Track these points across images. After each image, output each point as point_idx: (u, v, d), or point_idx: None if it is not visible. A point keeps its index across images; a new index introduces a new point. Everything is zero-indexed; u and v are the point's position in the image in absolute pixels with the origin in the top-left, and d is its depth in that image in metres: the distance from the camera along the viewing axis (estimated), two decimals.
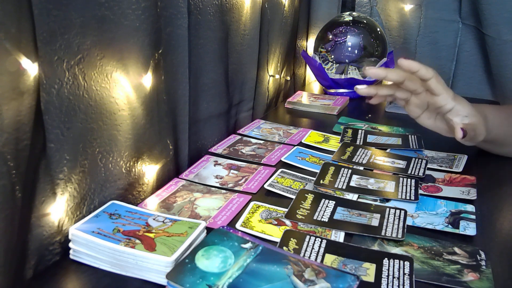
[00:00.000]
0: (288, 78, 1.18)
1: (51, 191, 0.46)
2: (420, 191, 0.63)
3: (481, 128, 0.66)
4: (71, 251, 0.48)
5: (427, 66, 0.64)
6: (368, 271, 0.46)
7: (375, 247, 0.51)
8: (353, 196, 0.62)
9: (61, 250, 0.48)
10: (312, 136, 0.85)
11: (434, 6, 1.18)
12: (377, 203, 0.60)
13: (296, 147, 0.79)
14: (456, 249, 0.51)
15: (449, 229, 0.55)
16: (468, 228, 0.54)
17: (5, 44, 0.36)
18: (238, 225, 0.54)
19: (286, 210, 0.57)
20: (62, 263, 0.47)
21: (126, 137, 0.55)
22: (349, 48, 1.12)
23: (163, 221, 0.51)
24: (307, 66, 1.31)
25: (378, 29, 1.15)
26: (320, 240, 0.51)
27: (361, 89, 0.69)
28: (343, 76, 1.13)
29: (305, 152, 0.77)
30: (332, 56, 1.14)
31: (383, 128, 0.91)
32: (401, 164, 0.72)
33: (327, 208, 0.58)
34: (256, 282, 0.42)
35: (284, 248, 0.49)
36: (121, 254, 0.45)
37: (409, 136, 0.84)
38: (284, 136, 0.85)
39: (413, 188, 0.64)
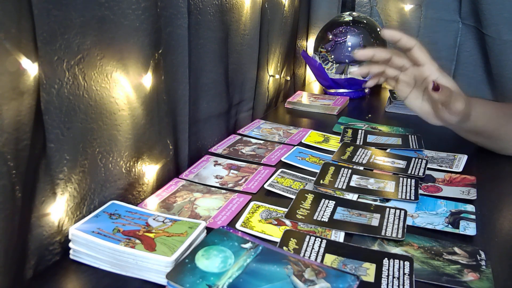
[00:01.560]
0: (288, 78, 1.18)
1: (51, 191, 0.46)
2: (420, 191, 0.64)
3: (460, 99, 0.65)
4: (71, 251, 0.48)
5: (410, 36, 0.67)
6: (368, 271, 0.46)
7: (375, 247, 0.51)
8: (353, 196, 0.62)
9: (61, 250, 0.48)
10: (312, 136, 0.85)
11: (434, 6, 1.18)
12: (377, 203, 0.60)
13: (296, 147, 0.79)
14: (456, 249, 0.51)
15: (449, 229, 0.55)
16: (468, 228, 0.54)
17: (5, 44, 0.36)
18: (238, 225, 0.54)
19: (286, 210, 0.57)
20: (62, 263, 0.47)
21: (126, 137, 0.55)
22: (349, 48, 1.12)
23: (163, 221, 0.51)
24: (307, 66, 1.31)
25: (378, 29, 1.14)
26: (320, 240, 0.51)
27: (354, 71, 0.73)
28: (343, 76, 1.13)
29: (305, 152, 0.77)
30: (332, 56, 1.14)
31: (383, 128, 0.91)
32: (401, 164, 0.72)
33: (327, 208, 0.58)
34: (256, 282, 0.42)
35: (284, 248, 0.49)
36: (121, 254, 0.45)
37: (409, 136, 0.84)
38: (284, 136, 0.85)
39: (413, 188, 0.64)
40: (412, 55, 0.67)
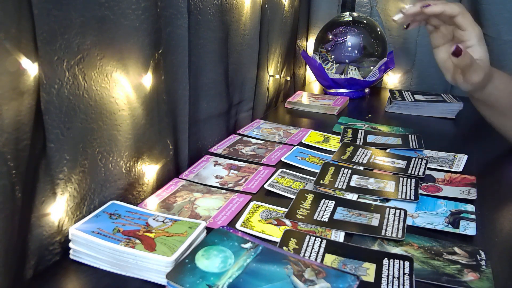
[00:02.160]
0: (288, 78, 1.18)
1: (51, 191, 0.46)
2: (420, 191, 0.63)
3: (479, 72, 0.67)
4: (71, 251, 0.48)
5: (453, 4, 0.67)
6: (368, 271, 0.46)
7: (375, 247, 0.51)
8: (353, 196, 0.62)
9: (61, 250, 0.48)
10: (312, 136, 0.85)
11: None
12: (377, 203, 0.60)
13: (296, 147, 0.79)
14: (456, 249, 0.51)
15: (449, 229, 0.55)
16: (468, 228, 0.54)
17: (5, 44, 0.36)
18: (238, 225, 0.54)
19: (286, 210, 0.57)
20: (62, 263, 0.47)
21: (126, 137, 0.55)
22: (349, 48, 1.12)
23: (163, 221, 0.51)
24: (307, 66, 1.31)
25: (378, 29, 1.15)
26: (320, 240, 0.51)
27: (398, 18, 0.72)
28: (343, 76, 1.13)
29: (305, 152, 0.77)
30: (332, 56, 1.14)
31: (383, 128, 0.91)
32: (401, 164, 0.72)
33: (327, 208, 0.58)
34: (256, 282, 0.42)
35: (284, 248, 0.49)
36: (121, 254, 0.45)
37: (409, 136, 0.84)
38: (284, 136, 0.85)
39: (413, 188, 0.64)
40: (455, 22, 0.68)
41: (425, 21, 0.73)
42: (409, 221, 0.56)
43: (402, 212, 0.57)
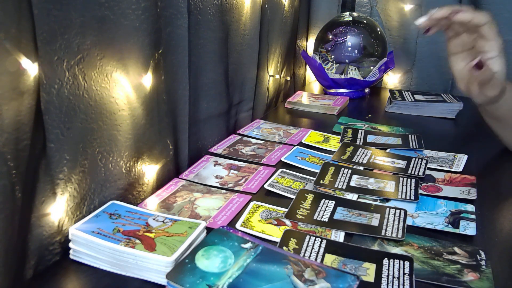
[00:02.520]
0: (288, 78, 1.18)
1: (51, 191, 0.46)
2: (420, 191, 0.63)
3: (496, 87, 0.67)
4: (71, 251, 0.48)
5: (480, 13, 0.66)
6: (368, 271, 0.46)
7: (375, 247, 0.51)
8: (353, 196, 0.62)
9: (61, 250, 0.48)
10: (312, 136, 0.85)
11: (434, 6, 1.17)
12: (377, 203, 0.60)
13: (296, 147, 0.79)
14: (456, 249, 0.51)
15: (449, 229, 0.55)
16: (468, 228, 0.54)
17: (5, 44, 0.36)
18: (238, 225, 0.54)
19: (286, 210, 0.57)
20: (62, 263, 0.47)
21: (126, 137, 0.55)
22: (349, 48, 1.12)
23: (163, 221, 0.51)
24: (307, 66, 1.31)
25: (378, 29, 1.15)
26: (320, 240, 0.51)
27: (422, 22, 0.70)
28: (343, 76, 1.13)
29: (305, 152, 0.77)
30: (332, 56, 1.14)
31: (383, 128, 0.91)
32: (401, 164, 0.72)
33: (327, 208, 0.58)
34: (256, 282, 0.42)
35: (284, 248, 0.49)
36: (121, 254, 0.45)
37: (409, 136, 0.84)
38: (284, 136, 0.85)
39: (413, 188, 0.64)
40: (481, 31, 0.66)
41: (446, 26, 0.71)
42: (409, 221, 0.56)
43: (402, 212, 0.57)
